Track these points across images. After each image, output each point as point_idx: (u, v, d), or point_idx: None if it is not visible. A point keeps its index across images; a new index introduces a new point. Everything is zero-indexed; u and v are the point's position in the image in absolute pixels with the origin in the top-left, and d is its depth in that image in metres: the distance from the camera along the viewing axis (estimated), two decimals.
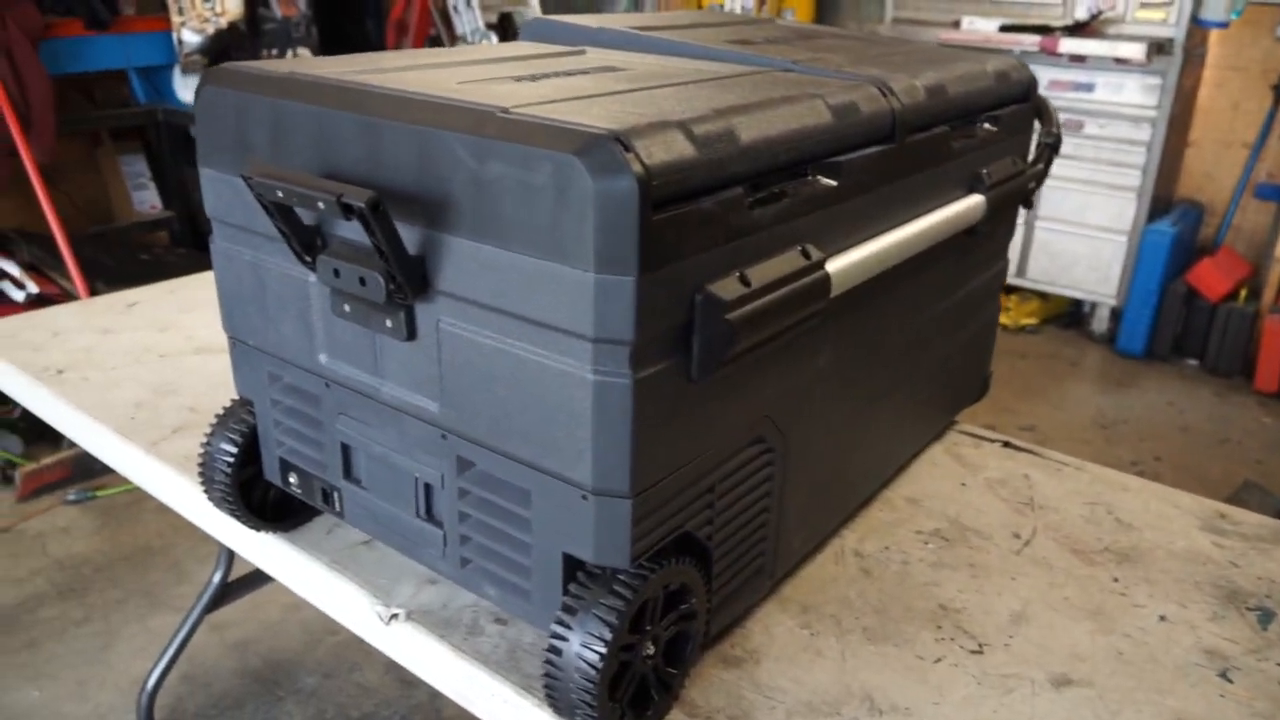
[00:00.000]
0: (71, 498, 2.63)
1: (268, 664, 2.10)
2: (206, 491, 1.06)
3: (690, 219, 0.70)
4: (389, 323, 0.82)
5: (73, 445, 2.77)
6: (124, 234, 3.53)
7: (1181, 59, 3.39)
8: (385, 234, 0.73)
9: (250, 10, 3.38)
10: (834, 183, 0.87)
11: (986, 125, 1.16)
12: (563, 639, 0.77)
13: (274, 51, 3.59)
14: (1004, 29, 3.51)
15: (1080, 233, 3.77)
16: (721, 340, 0.74)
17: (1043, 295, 4.08)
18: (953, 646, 0.97)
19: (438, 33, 3.96)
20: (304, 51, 3.70)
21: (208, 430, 1.05)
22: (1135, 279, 3.68)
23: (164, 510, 2.64)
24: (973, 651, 0.96)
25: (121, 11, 3.14)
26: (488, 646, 0.93)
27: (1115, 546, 1.14)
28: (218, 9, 3.21)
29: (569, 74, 0.92)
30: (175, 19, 3.17)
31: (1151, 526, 1.19)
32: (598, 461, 0.73)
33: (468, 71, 0.91)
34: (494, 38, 3.79)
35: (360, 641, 2.32)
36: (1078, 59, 3.49)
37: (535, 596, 0.82)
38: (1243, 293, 3.68)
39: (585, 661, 0.75)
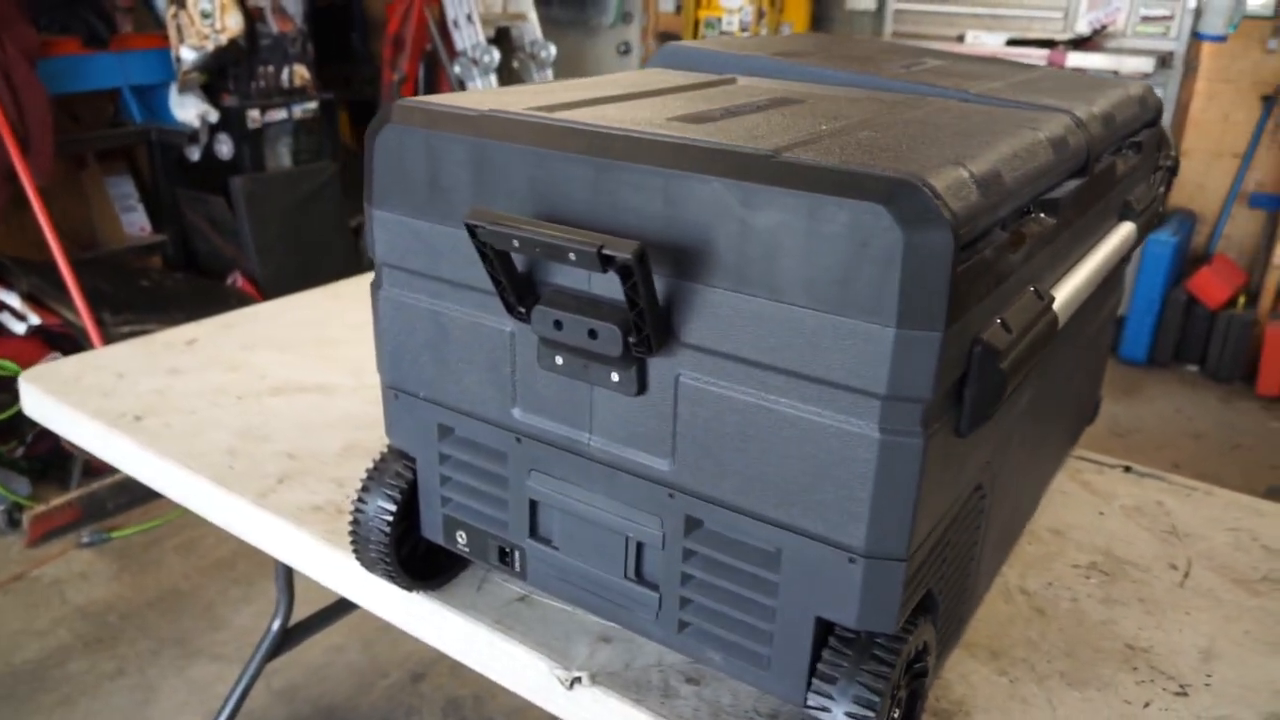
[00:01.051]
0: (86, 540, 2.50)
1: (319, 711, 2.01)
2: (359, 554, 0.99)
3: (978, 268, 0.67)
4: (615, 376, 0.76)
5: (82, 484, 2.64)
6: (117, 259, 3.39)
7: (1182, 72, 3.46)
8: (646, 287, 0.68)
9: (248, 26, 3.27)
10: (1054, 220, 0.84)
11: (1129, 151, 1.14)
12: (825, 709, 0.72)
13: (270, 68, 3.49)
14: (1010, 43, 3.55)
15: None
16: (995, 391, 0.70)
17: None
18: (1155, 689, 0.94)
19: (434, 47, 3.89)
20: (299, 68, 3.60)
21: (358, 487, 0.98)
22: (1138, 288, 3.75)
23: (186, 550, 2.53)
24: (1176, 694, 0.94)
25: (119, 29, 3.02)
26: (688, 710, 0.88)
27: (1274, 575, 1.13)
28: (218, 25, 3.10)
29: (761, 108, 0.87)
30: (174, 36, 3.05)
31: None
32: (874, 523, 0.69)
33: (655, 105, 0.86)
34: (495, 52, 3.73)
35: (414, 684, 2.26)
36: (1079, 72, 3.53)
37: (775, 662, 0.78)
38: (1240, 300, 3.77)
39: None
